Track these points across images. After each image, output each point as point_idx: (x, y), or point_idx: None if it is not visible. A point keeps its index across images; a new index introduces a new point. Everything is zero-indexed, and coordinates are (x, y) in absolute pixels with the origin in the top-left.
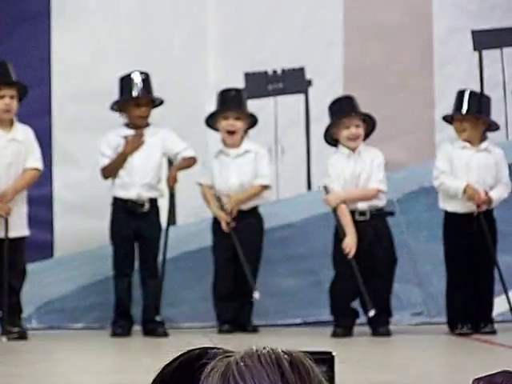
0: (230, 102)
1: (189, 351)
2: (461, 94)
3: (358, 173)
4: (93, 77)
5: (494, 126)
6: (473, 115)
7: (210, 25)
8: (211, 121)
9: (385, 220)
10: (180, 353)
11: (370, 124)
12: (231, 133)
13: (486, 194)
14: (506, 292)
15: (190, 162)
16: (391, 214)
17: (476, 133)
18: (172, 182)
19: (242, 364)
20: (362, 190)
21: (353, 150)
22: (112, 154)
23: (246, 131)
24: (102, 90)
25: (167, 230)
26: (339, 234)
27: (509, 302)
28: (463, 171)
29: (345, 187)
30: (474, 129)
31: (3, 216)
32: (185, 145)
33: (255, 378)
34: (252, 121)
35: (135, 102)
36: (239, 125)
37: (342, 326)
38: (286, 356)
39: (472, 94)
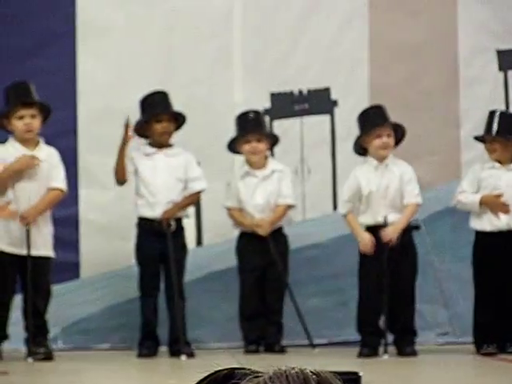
0: (250, 126)
1: (216, 371)
2: (491, 114)
3: (386, 185)
4: (118, 97)
5: None
6: (503, 137)
7: (235, 44)
8: (234, 146)
9: (410, 235)
10: (207, 373)
11: (399, 134)
12: (254, 153)
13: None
14: None
15: (194, 199)
16: (417, 227)
17: (506, 153)
18: (168, 218)
19: None
20: (408, 212)
21: (382, 160)
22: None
23: (271, 150)
24: (128, 109)
25: (176, 249)
26: (363, 253)
27: None
28: (491, 191)
29: (370, 198)
30: (504, 149)
31: (25, 226)
32: (199, 174)
33: None
34: (274, 140)
35: (156, 118)
36: (261, 146)
37: (368, 345)
38: (314, 376)
39: (502, 114)
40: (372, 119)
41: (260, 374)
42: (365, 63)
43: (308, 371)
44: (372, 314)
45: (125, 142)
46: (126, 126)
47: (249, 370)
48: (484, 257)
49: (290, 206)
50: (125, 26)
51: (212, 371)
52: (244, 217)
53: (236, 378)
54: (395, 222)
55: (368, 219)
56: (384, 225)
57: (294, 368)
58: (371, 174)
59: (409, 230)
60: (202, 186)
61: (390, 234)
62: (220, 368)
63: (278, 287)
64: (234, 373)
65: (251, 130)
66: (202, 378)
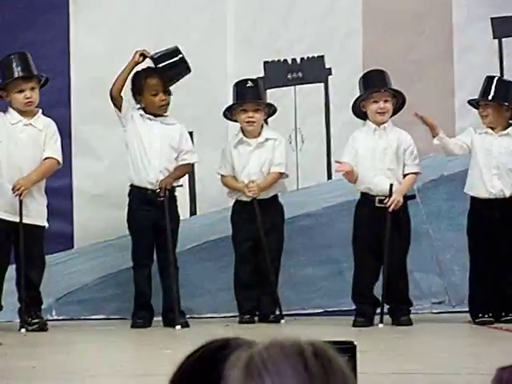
0: (248, 94)
1: (210, 342)
2: (490, 79)
3: (384, 148)
4: (111, 67)
5: None
6: (498, 102)
7: (228, 14)
8: (229, 113)
9: (405, 205)
10: (202, 343)
11: (399, 101)
12: (251, 124)
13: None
14: None
15: (187, 170)
16: (412, 197)
17: (500, 119)
18: (165, 187)
19: (265, 355)
20: (408, 181)
21: (379, 125)
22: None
23: (265, 120)
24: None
25: (169, 218)
26: (357, 222)
27: None
28: (483, 156)
29: (366, 160)
30: (497, 115)
31: (18, 194)
32: (192, 148)
33: (279, 369)
34: (271, 110)
35: (152, 88)
36: (258, 116)
37: (363, 315)
38: (309, 347)
39: (500, 80)
40: (371, 83)
41: (255, 345)
42: (359, 32)
43: (303, 341)
44: (367, 283)
45: (135, 62)
46: (142, 55)
47: (243, 340)
48: (478, 225)
49: (281, 174)
50: None
51: (206, 341)
52: (237, 182)
53: (231, 348)
54: (396, 190)
55: (362, 186)
56: (389, 193)
57: (288, 338)
58: (369, 137)
59: (404, 200)
60: (195, 159)
61: (397, 199)
62: (214, 338)
63: (273, 257)
64: (229, 343)
65: (249, 99)
66: (196, 347)
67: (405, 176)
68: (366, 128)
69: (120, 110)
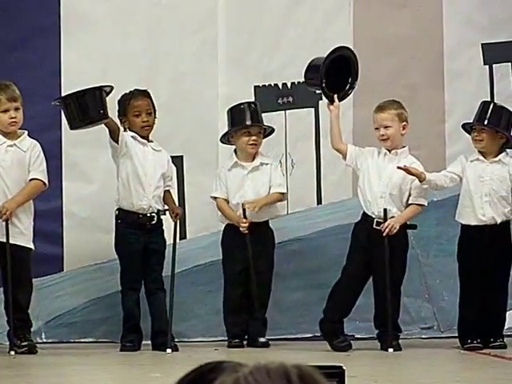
0: (253, 118)
1: (202, 365)
2: (485, 104)
3: (391, 173)
4: None
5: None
6: (494, 127)
7: (220, 37)
8: (224, 136)
9: (406, 233)
10: (194, 367)
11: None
12: (253, 147)
13: None
14: None
15: (173, 196)
16: (414, 227)
17: (493, 146)
18: (179, 215)
19: (250, 378)
20: (412, 211)
21: (391, 150)
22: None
23: None
24: (112, 103)
25: (174, 243)
26: (354, 241)
27: None
28: (474, 183)
29: (372, 182)
30: (491, 140)
31: (3, 217)
32: (173, 175)
33: None
34: (269, 133)
35: (135, 109)
36: (260, 139)
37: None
38: (294, 370)
39: (496, 106)
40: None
41: (240, 369)
42: None
43: (288, 365)
44: (347, 302)
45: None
46: None
47: (232, 363)
48: (469, 251)
49: (282, 195)
50: (109, 19)
51: (198, 365)
52: (233, 212)
53: (216, 372)
54: (396, 216)
55: (368, 204)
56: (383, 217)
57: (273, 362)
58: (380, 159)
59: (404, 228)
60: (174, 185)
61: (391, 224)
62: (206, 362)
63: (263, 281)
64: (217, 366)
65: (254, 122)
66: (187, 372)
67: (408, 205)
68: (379, 149)
69: (117, 141)
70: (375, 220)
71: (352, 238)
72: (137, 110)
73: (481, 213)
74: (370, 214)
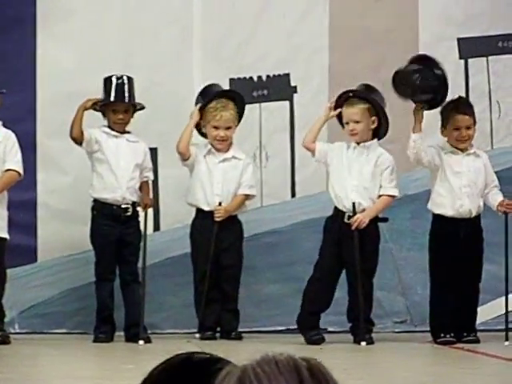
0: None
1: (174, 356)
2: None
3: (361, 166)
4: (78, 81)
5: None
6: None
7: (195, 29)
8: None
9: (377, 226)
10: (165, 358)
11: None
12: (221, 143)
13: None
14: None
15: (149, 187)
16: (385, 220)
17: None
18: (149, 206)
19: (259, 370)
20: (382, 203)
21: (361, 142)
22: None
23: None
24: (87, 94)
25: (145, 234)
26: (326, 236)
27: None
28: (453, 174)
29: (342, 176)
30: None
31: None
32: (151, 165)
33: None
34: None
35: (112, 107)
36: (229, 133)
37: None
38: (304, 363)
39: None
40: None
41: (226, 360)
42: (325, 50)
43: (297, 357)
44: (322, 297)
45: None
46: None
47: (208, 354)
48: (442, 242)
49: (248, 196)
50: (85, 9)
51: (170, 356)
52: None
53: (222, 364)
54: (367, 209)
55: (338, 199)
56: (352, 211)
57: (282, 354)
58: (349, 153)
59: (375, 221)
60: (152, 176)
61: (360, 219)
62: (178, 352)
63: (233, 273)
64: (193, 357)
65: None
66: (159, 363)
67: (379, 197)
68: (348, 143)
69: (81, 144)
70: (346, 214)
71: (324, 232)
72: (115, 109)
73: (459, 204)
74: (341, 208)
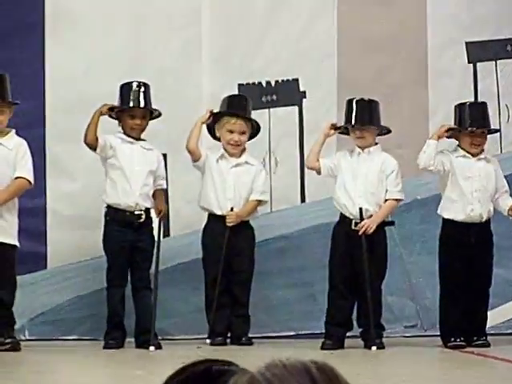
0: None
1: (192, 364)
2: (484, 106)
3: (366, 171)
4: (87, 88)
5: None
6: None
7: (203, 35)
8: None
9: (384, 230)
10: (181, 366)
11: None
12: (236, 146)
13: None
14: None
15: (163, 194)
16: (391, 223)
17: (372, 140)
18: (163, 213)
19: (268, 374)
20: (388, 207)
21: (364, 148)
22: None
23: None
24: (96, 100)
25: (159, 241)
26: (334, 244)
27: None
28: (464, 178)
29: (348, 183)
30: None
31: None
32: (164, 173)
33: None
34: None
35: (130, 112)
36: (243, 138)
37: (331, 337)
38: (312, 364)
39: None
40: (350, 113)
41: (242, 368)
42: (333, 55)
43: (305, 359)
44: (338, 306)
45: (102, 111)
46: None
47: (226, 362)
48: (453, 247)
49: (260, 202)
50: (94, 16)
51: (186, 364)
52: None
53: (230, 374)
54: (373, 215)
55: (344, 208)
56: (359, 217)
57: (288, 358)
58: (353, 160)
59: (382, 226)
60: (165, 184)
61: (367, 224)
62: (195, 361)
63: (244, 279)
64: (212, 368)
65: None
66: (175, 371)
67: (386, 201)
68: (351, 151)
69: (95, 150)
70: (353, 221)
71: (332, 241)
72: (133, 114)
73: (470, 208)
74: (347, 215)
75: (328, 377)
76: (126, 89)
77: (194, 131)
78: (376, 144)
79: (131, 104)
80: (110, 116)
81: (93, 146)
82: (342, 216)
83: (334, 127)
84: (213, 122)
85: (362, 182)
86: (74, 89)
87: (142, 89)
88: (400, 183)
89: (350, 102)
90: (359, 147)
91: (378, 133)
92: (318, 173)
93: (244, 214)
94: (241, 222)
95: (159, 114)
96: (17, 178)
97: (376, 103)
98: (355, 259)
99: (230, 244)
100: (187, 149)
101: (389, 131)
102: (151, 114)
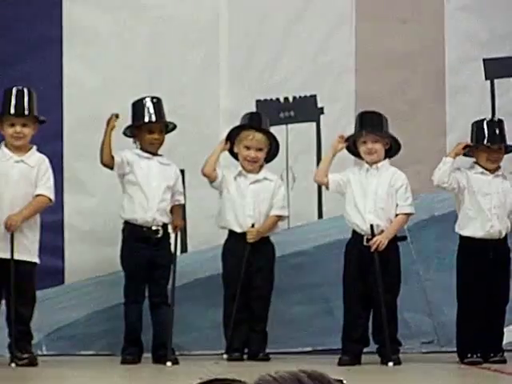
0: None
1: (209, 382)
2: (501, 123)
3: (375, 187)
4: (104, 103)
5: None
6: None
7: (221, 52)
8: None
9: (396, 245)
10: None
11: (394, 143)
12: (253, 162)
13: None
14: None
15: (181, 210)
16: (404, 238)
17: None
18: (179, 228)
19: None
20: (399, 222)
21: (372, 164)
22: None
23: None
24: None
25: (175, 256)
26: (347, 261)
27: None
28: (482, 195)
29: (358, 199)
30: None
31: (9, 230)
32: (182, 188)
33: None
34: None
35: (148, 127)
36: (260, 155)
37: (348, 353)
38: (302, 373)
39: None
40: (363, 124)
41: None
42: (351, 71)
43: (296, 370)
44: (354, 322)
45: (110, 127)
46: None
47: (236, 381)
48: (470, 264)
49: (281, 217)
50: (112, 32)
51: (203, 381)
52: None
53: None
54: (385, 231)
55: (355, 224)
56: (371, 233)
57: (278, 371)
58: (362, 177)
59: (394, 241)
60: (183, 200)
61: (379, 240)
62: (204, 380)
63: (263, 295)
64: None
65: (151, 118)
66: None
67: (396, 216)
68: (359, 167)
69: (112, 169)
70: (365, 237)
71: (344, 258)
72: (151, 130)
73: (489, 225)
74: (359, 231)
75: (317, 378)
76: (138, 105)
77: (212, 157)
78: (384, 159)
79: (146, 119)
80: (125, 134)
81: (110, 165)
82: (354, 233)
83: (344, 139)
84: (231, 143)
85: (372, 198)
86: (92, 105)
87: (156, 103)
88: (410, 197)
89: (360, 114)
90: (368, 163)
91: (390, 154)
92: (326, 188)
93: (265, 230)
94: (261, 238)
95: (174, 127)
96: (38, 195)
97: (386, 118)
98: (368, 275)
99: (250, 260)
100: (202, 173)
101: (399, 148)
102: (166, 127)
